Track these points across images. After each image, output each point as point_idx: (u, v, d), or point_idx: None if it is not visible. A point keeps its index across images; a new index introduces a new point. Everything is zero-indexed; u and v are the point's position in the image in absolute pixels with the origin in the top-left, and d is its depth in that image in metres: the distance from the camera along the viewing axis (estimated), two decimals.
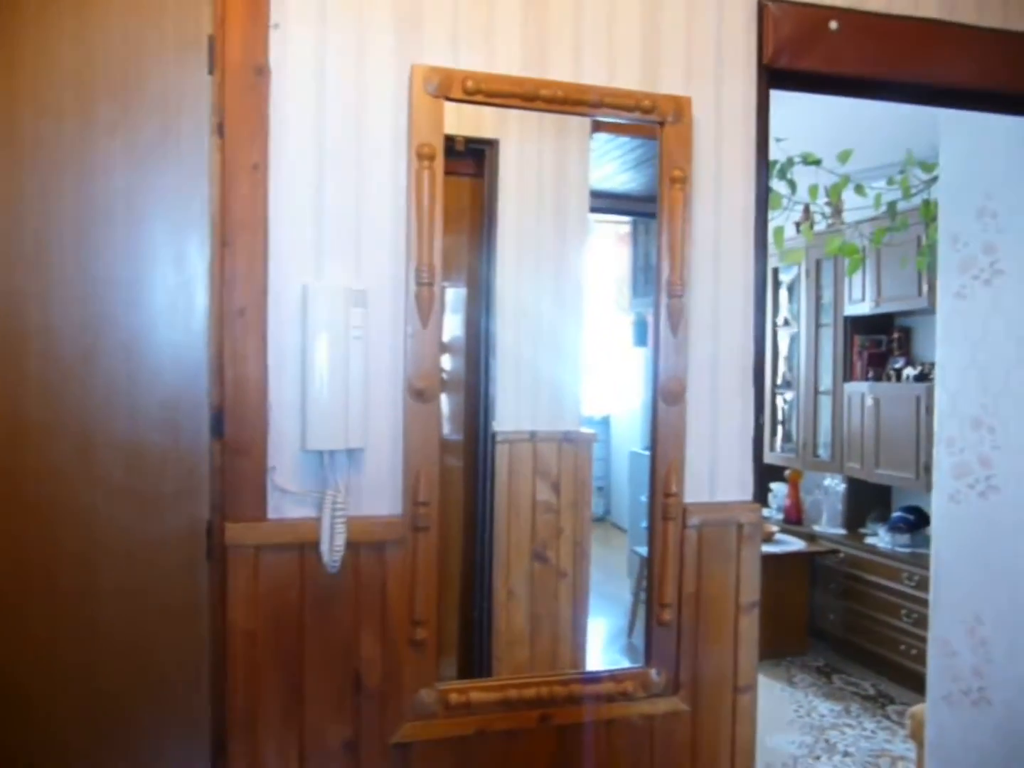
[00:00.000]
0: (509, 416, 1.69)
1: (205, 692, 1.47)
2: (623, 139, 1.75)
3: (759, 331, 1.71)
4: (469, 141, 1.64)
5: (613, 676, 1.60)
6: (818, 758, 3.75)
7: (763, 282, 1.71)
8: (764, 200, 1.70)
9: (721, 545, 1.65)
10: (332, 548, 1.45)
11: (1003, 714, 2.44)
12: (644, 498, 1.67)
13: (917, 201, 3.51)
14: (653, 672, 1.61)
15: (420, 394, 1.50)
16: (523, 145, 1.69)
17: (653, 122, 1.60)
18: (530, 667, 1.69)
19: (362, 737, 1.51)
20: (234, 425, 1.45)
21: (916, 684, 3.92)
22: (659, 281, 1.61)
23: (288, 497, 1.48)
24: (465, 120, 1.60)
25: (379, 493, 1.52)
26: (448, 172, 1.53)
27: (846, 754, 3.79)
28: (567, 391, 1.77)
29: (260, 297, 1.45)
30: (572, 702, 1.57)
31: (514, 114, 1.61)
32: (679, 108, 1.60)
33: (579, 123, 1.67)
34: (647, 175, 1.64)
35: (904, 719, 3.89)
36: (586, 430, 1.76)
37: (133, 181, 1.43)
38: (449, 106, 1.51)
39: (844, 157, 3.30)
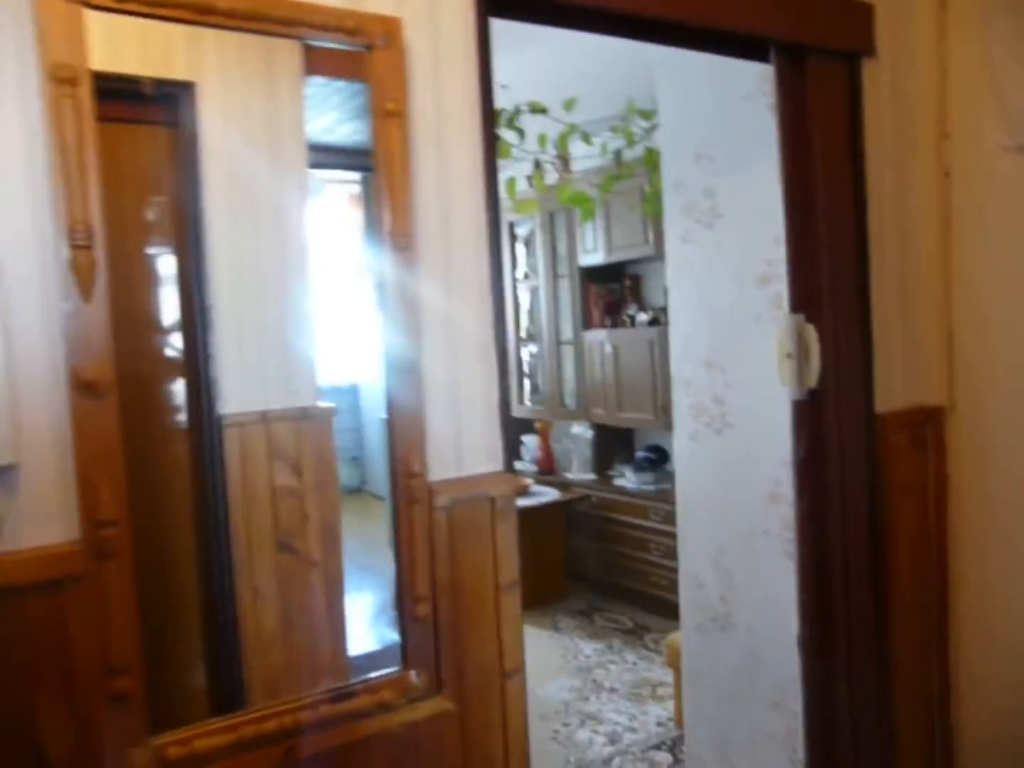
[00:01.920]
0: (236, 397, 1.46)
1: None
2: (341, 84, 1.54)
3: (497, 285, 1.56)
4: (160, 84, 1.36)
5: (367, 687, 1.41)
6: (587, 699, 3.86)
7: (498, 230, 1.56)
8: (492, 139, 1.54)
9: (474, 524, 1.50)
10: None
11: (745, 636, 2.59)
12: None
13: (641, 150, 3.60)
14: (412, 674, 1.44)
15: (91, 388, 1.18)
16: (226, 89, 1.43)
17: (360, 46, 1.38)
18: (287, 672, 1.48)
19: None
20: None
21: (668, 611, 4.16)
22: (382, 233, 1.40)
23: None
24: (151, 58, 1.34)
25: (47, 518, 1.19)
26: (136, 120, 1.32)
27: (612, 690, 3.94)
28: (300, 364, 1.56)
29: None
30: (322, 726, 1.35)
31: (211, 52, 1.37)
32: (388, 30, 1.39)
33: (288, 63, 1.43)
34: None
35: (661, 647, 4.13)
36: (324, 404, 1.57)
37: None
38: (129, 36, 1.23)
39: (569, 105, 3.29)
